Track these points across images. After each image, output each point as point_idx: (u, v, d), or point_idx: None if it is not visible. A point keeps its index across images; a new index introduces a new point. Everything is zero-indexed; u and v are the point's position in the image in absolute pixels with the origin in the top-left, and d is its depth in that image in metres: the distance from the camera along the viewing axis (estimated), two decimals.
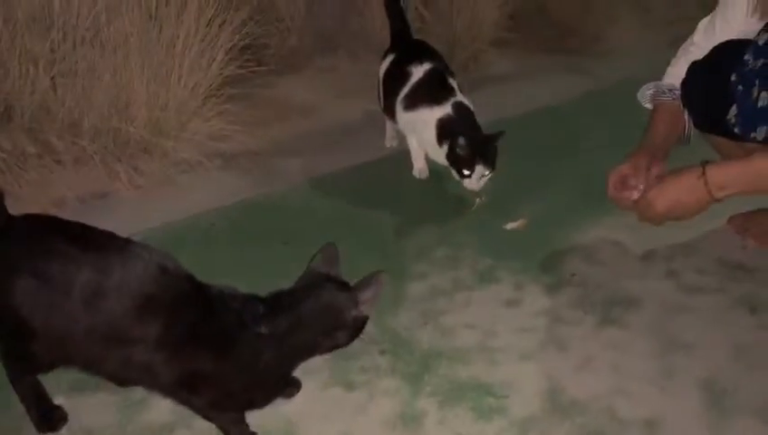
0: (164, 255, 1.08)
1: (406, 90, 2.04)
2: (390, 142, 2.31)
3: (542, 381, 1.31)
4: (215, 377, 1.07)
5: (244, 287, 1.13)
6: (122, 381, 1.12)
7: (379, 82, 2.20)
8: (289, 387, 1.24)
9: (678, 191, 1.45)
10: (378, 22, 2.89)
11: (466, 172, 1.87)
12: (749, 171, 1.40)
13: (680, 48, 1.72)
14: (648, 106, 1.72)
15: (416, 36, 2.36)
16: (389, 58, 2.17)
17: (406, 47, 2.19)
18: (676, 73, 1.68)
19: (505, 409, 1.25)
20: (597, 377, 1.33)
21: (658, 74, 1.73)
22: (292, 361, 1.13)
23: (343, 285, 1.13)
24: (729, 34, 1.59)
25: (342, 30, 3.04)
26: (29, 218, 1.12)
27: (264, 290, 1.13)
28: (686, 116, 1.66)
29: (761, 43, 1.48)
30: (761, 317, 1.49)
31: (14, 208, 1.13)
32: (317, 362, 1.23)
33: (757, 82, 1.46)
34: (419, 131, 2.02)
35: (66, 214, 1.70)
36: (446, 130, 1.92)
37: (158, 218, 1.81)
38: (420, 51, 2.14)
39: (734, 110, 1.51)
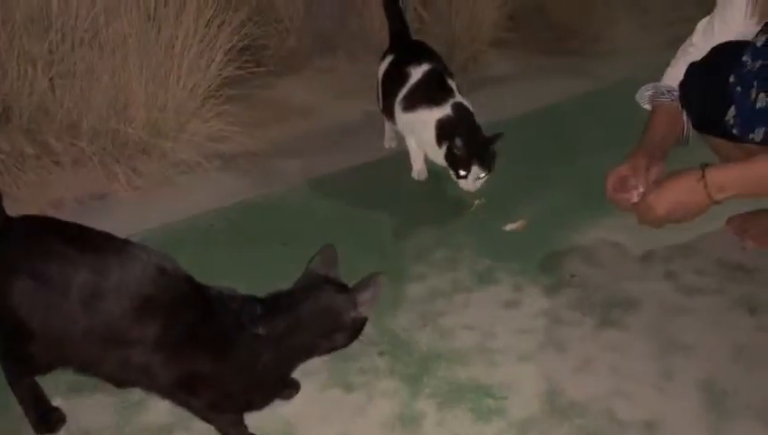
0: (162, 256, 1.08)
1: (405, 91, 2.03)
2: (389, 143, 2.30)
3: (542, 383, 1.31)
4: (213, 378, 1.06)
5: (243, 288, 1.13)
6: (120, 382, 1.12)
7: (377, 82, 2.20)
8: (288, 388, 1.24)
9: (678, 194, 1.46)
10: (376, 22, 2.89)
11: (462, 173, 1.87)
12: (749, 174, 1.40)
13: (679, 49, 1.72)
14: (647, 107, 1.72)
15: (415, 37, 2.36)
16: (388, 59, 2.17)
17: (405, 48, 2.19)
18: (674, 74, 1.68)
19: (504, 410, 1.24)
20: (596, 378, 1.32)
21: (657, 75, 1.73)
22: (290, 362, 1.13)
23: (342, 287, 1.13)
24: (728, 36, 1.59)
25: (341, 31, 3.04)
26: (27, 220, 1.12)
27: (263, 291, 1.13)
28: (685, 117, 1.66)
29: (759, 44, 1.48)
30: (760, 318, 1.49)
31: (13, 209, 1.12)
32: (316, 363, 1.23)
33: (755, 83, 1.46)
34: (419, 132, 2.02)
35: (64, 215, 1.69)
36: (445, 131, 1.92)
37: (156, 219, 1.81)
38: (419, 52, 2.14)
39: (732, 111, 1.51)
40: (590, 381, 1.32)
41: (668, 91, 1.67)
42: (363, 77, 2.68)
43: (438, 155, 1.95)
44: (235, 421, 1.15)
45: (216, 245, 1.75)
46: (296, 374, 1.20)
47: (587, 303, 1.54)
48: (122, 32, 1.95)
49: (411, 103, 2.02)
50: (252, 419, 1.15)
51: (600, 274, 1.65)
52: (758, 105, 1.45)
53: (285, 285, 1.14)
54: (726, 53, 1.56)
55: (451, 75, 2.08)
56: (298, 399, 1.25)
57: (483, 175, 1.87)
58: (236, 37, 2.16)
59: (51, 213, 1.78)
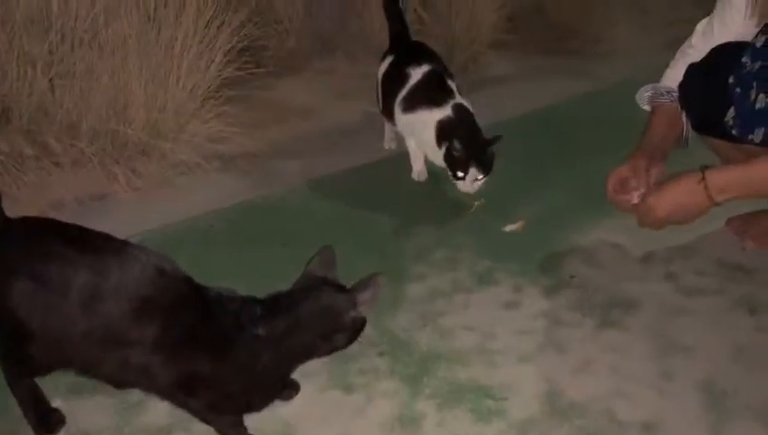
0: (161, 257, 1.08)
1: (405, 92, 2.03)
2: (389, 144, 2.30)
3: (541, 384, 1.31)
4: (212, 379, 1.06)
5: (242, 289, 1.13)
6: (120, 383, 1.12)
7: (377, 83, 2.20)
8: (287, 389, 1.24)
9: (678, 196, 1.46)
10: (376, 23, 2.89)
11: (460, 174, 1.87)
12: (749, 175, 1.41)
13: (678, 50, 1.72)
14: (647, 108, 1.72)
15: (414, 38, 2.36)
16: (388, 60, 2.17)
17: (404, 49, 2.19)
18: (674, 75, 1.69)
19: (504, 411, 1.24)
20: (596, 379, 1.32)
21: (657, 76, 1.73)
22: (290, 363, 1.13)
23: (341, 287, 1.13)
24: (727, 37, 1.59)
25: (341, 32, 3.04)
26: (26, 221, 1.12)
27: (262, 292, 1.13)
28: (684, 118, 1.66)
29: (758, 45, 1.48)
30: (760, 318, 1.49)
31: (12, 210, 1.12)
32: (315, 364, 1.23)
33: (755, 84, 1.46)
34: (418, 133, 2.02)
35: (64, 216, 1.69)
36: (445, 132, 1.92)
37: (156, 220, 1.81)
38: (419, 52, 2.14)
39: (731, 112, 1.51)
40: (590, 381, 1.32)
41: (668, 93, 1.68)
42: (363, 78, 2.68)
43: (438, 156, 1.95)
44: (235, 422, 1.14)
45: (215, 245, 1.75)
46: (296, 375, 1.20)
47: (587, 304, 1.54)
48: (122, 32, 1.95)
49: (411, 104, 2.02)
50: (251, 420, 1.15)
51: (600, 275, 1.65)
52: (757, 106, 1.45)
53: (285, 285, 1.14)
54: (726, 55, 1.56)
55: (451, 76, 2.08)
56: (298, 400, 1.25)
57: (481, 177, 1.87)
58: (236, 38, 2.16)
59: (50, 214, 1.78)
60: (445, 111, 1.95)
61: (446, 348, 1.40)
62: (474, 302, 1.55)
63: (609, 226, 1.81)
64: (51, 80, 1.92)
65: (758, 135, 1.46)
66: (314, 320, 1.09)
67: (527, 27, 3.37)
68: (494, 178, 1.90)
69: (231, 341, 1.06)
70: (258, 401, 1.13)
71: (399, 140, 2.20)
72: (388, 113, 2.13)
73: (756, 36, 1.50)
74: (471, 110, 1.98)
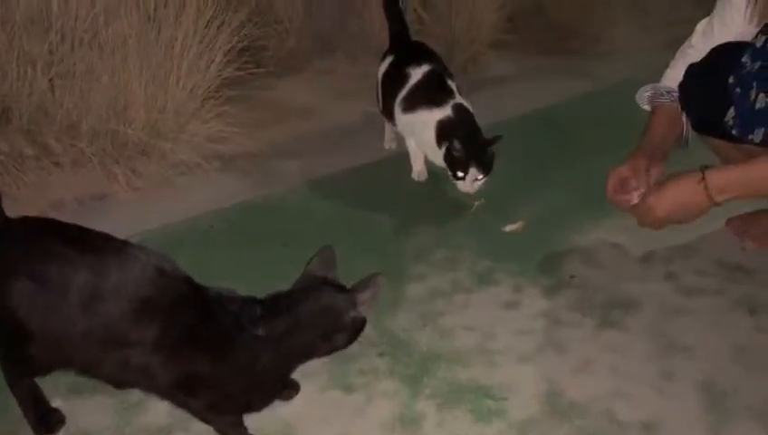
0: (161, 257, 1.08)
1: (405, 92, 2.03)
2: (389, 144, 2.30)
3: (541, 384, 1.31)
4: (212, 379, 1.06)
5: (242, 289, 1.13)
6: (120, 383, 1.12)
7: (377, 83, 2.20)
8: (287, 389, 1.24)
9: (678, 195, 1.46)
10: (376, 23, 2.89)
11: (460, 174, 1.87)
12: (749, 175, 1.41)
13: (678, 50, 1.72)
14: (647, 108, 1.72)
15: (414, 38, 2.36)
16: (388, 60, 2.17)
17: (404, 49, 2.19)
18: (674, 76, 1.68)
19: (504, 411, 1.24)
20: (596, 379, 1.32)
21: (657, 76, 1.73)
22: (290, 363, 1.13)
23: (341, 287, 1.13)
24: (727, 37, 1.59)
25: (341, 32, 3.04)
26: (26, 221, 1.12)
27: (262, 292, 1.13)
28: (684, 118, 1.66)
29: (758, 45, 1.48)
30: (760, 319, 1.49)
31: (12, 210, 1.12)
32: (315, 364, 1.23)
33: (755, 84, 1.46)
34: (418, 133, 2.02)
35: (64, 216, 1.69)
36: (445, 132, 1.92)
37: (156, 220, 1.81)
38: (419, 53, 2.14)
39: (731, 112, 1.51)
40: (590, 381, 1.32)
41: (668, 93, 1.68)
42: (363, 78, 2.68)
43: (438, 156, 1.95)
44: (235, 422, 1.14)
45: (215, 246, 1.75)
46: (296, 375, 1.20)
47: (587, 304, 1.54)
48: (122, 33, 1.95)
49: (411, 104, 2.02)
50: (251, 420, 1.15)
51: (600, 275, 1.65)
52: (757, 106, 1.45)
53: (285, 285, 1.14)
54: (726, 55, 1.56)
55: (451, 76, 2.08)
56: (298, 400, 1.25)
57: (481, 177, 1.87)
58: (236, 38, 2.16)
59: (50, 214, 1.78)
60: (445, 111, 1.95)
61: (446, 348, 1.40)
62: (474, 302, 1.55)
63: (608, 226, 1.81)
64: (51, 80, 1.92)
65: (758, 135, 1.46)
66: (314, 320, 1.09)
67: (527, 27, 3.37)
68: (495, 178, 1.90)
69: (231, 341, 1.06)
70: (258, 401, 1.13)
71: (399, 140, 2.20)
72: (389, 113, 2.13)
73: (756, 36, 1.50)
74: (471, 110, 1.98)
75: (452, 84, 2.04)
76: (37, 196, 1.84)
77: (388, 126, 2.26)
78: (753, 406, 1.26)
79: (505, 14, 3.15)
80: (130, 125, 1.98)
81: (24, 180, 1.85)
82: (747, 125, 1.48)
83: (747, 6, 1.54)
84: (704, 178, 1.42)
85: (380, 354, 1.37)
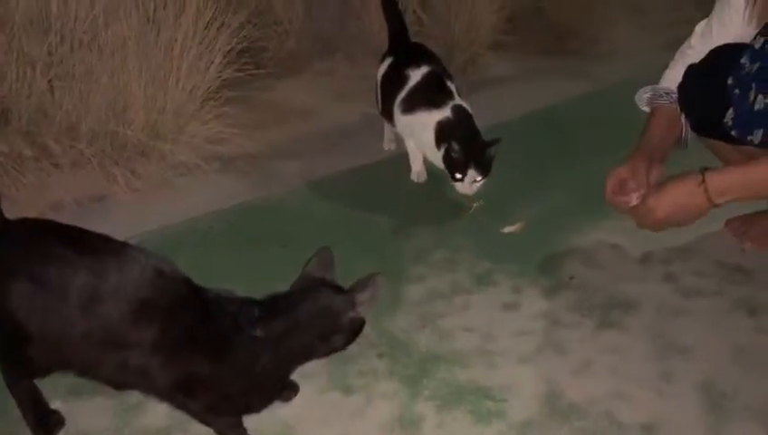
0: (160, 258, 1.08)
1: (404, 93, 2.03)
2: (388, 145, 2.30)
3: (541, 385, 1.31)
4: (211, 381, 1.06)
5: (242, 290, 1.13)
6: (119, 385, 1.11)
7: (377, 85, 2.20)
8: (287, 391, 1.24)
9: (678, 197, 1.46)
10: (376, 25, 2.89)
11: (458, 176, 1.87)
12: (749, 177, 1.41)
13: (677, 52, 1.72)
14: (646, 109, 1.72)
15: (414, 39, 2.36)
16: (388, 61, 2.17)
17: (404, 50, 2.19)
18: (673, 77, 1.68)
19: (504, 412, 1.24)
20: (595, 380, 1.32)
21: (656, 77, 1.73)
22: (288, 364, 1.13)
23: (339, 288, 1.13)
24: (726, 38, 1.59)
25: (341, 33, 3.04)
26: (26, 222, 1.12)
27: (263, 293, 1.13)
28: (683, 119, 1.66)
29: (757, 46, 1.48)
30: (759, 319, 1.49)
31: (12, 212, 1.12)
32: (315, 365, 1.23)
33: (754, 85, 1.46)
34: (418, 134, 2.02)
35: (64, 217, 1.69)
36: (444, 134, 1.92)
37: (155, 221, 1.81)
38: (418, 54, 2.14)
39: (730, 113, 1.51)
40: (590, 382, 1.32)
41: (667, 94, 1.68)
42: (362, 79, 2.68)
43: (437, 157, 1.95)
44: (234, 424, 1.14)
45: (215, 247, 1.75)
46: (295, 377, 1.20)
47: (586, 304, 1.54)
48: (121, 34, 1.95)
49: (410, 105, 2.02)
50: (251, 421, 1.15)
51: (600, 275, 1.65)
52: (756, 107, 1.45)
53: (285, 286, 1.14)
54: (724, 56, 1.56)
55: (450, 77, 2.08)
56: (297, 401, 1.25)
57: (479, 178, 1.87)
58: (236, 39, 2.16)
59: (50, 215, 1.78)
60: (444, 113, 1.95)
61: (446, 349, 1.40)
62: (473, 303, 1.55)
63: (608, 227, 1.81)
64: (50, 81, 1.92)
65: (757, 136, 1.46)
66: (313, 321, 1.09)
67: (526, 28, 3.37)
68: (494, 179, 1.90)
69: (229, 342, 1.06)
70: (257, 403, 1.13)
71: (399, 141, 2.20)
72: (388, 114, 2.13)
73: (755, 38, 1.50)
74: (470, 111, 1.98)
75: (451, 86, 2.04)
76: (36, 197, 1.84)
77: (387, 127, 2.26)
78: (753, 407, 1.26)
79: (504, 16, 3.16)
80: (130, 126, 1.98)
81: (23, 182, 1.85)
82: (746, 126, 1.48)
83: (746, 8, 1.54)
84: (703, 180, 1.42)
85: (380, 356, 1.37)
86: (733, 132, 1.52)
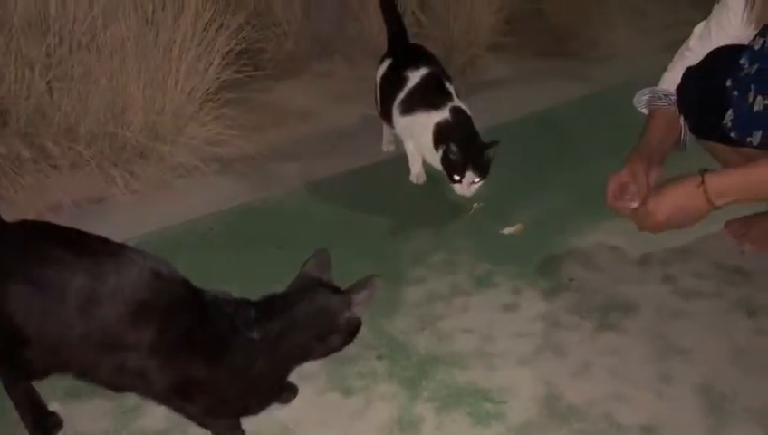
0: (158, 260, 1.08)
1: (403, 94, 2.03)
2: (387, 147, 2.30)
3: (540, 387, 1.31)
4: (208, 384, 1.06)
5: (241, 292, 1.13)
6: (117, 387, 1.11)
7: (376, 86, 2.20)
8: (285, 392, 1.24)
9: (678, 199, 1.46)
10: (374, 26, 2.89)
11: (457, 177, 1.87)
12: (749, 179, 1.41)
13: (676, 54, 1.72)
14: (644, 111, 1.72)
15: (413, 41, 2.37)
16: (386, 62, 2.17)
17: (403, 52, 2.19)
18: (671, 79, 1.69)
19: (503, 414, 1.24)
20: (594, 382, 1.32)
21: (655, 79, 1.73)
22: (285, 365, 1.13)
23: (336, 289, 1.13)
24: (724, 40, 1.59)
25: (339, 34, 3.04)
26: (24, 224, 1.12)
27: (261, 294, 1.13)
28: (682, 121, 1.66)
29: (756, 47, 1.48)
30: (759, 321, 1.49)
31: (10, 213, 1.12)
32: (314, 367, 1.23)
33: (753, 86, 1.46)
34: (417, 136, 2.02)
35: (62, 219, 1.69)
36: (443, 135, 1.92)
37: (154, 223, 1.80)
38: (417, 55, 2.14)
39: (729, 114, 1.51)
40: (589, 384, 1.32)
41: (666, 96, 1.68)
42: (361, 81, 2.68)
43: (436, 159, 1.95)
44: (232, 426, 1.14)
45: (213, 248, 1.74)
46: (294, 378, 1.20)
47: (585, 306, 1.54)
48: (120, 35, 1.94)
49: (409, 107, 2.02)
50: (249, 423, 1.15)
51: (599, 277, 1.65)
52: (755, 108, 1.45)
53: (284, 288, 1.14)
54: (723, 58, 1.56)
55: (449, 79, 2.08)
56: (296, 403, 1.25)
57: (477, 180, 1.87)
58: (234, 41, 2.16)
59: (48, 217, 1.77)
60: (442, 114, 1.95)
61: (445, 351, 1.40)
62: (472, 305, 1.55)
63: (607, 228, 1.81)
64: (48, 82, 1.91)
65: (756, 137, 1.46)
66: (309, 321, 1.09)
67: (525, 30, 3.37)
68: (493, 180, 1.90)
69: (226, 345, 1.05)
70: (255, 405, 1.12)
71: (398, 142, 2.20)
72: (387, 116, 2.13)
73: (754, 39, 1.50)
74: (469, 113, 1.98)
75: (450, 87, 2.04)
76: (35, 199, 1.84)
77: (386, 129, 2.26)
78: (752, 408, 1.26)
79: (503, 17, 3.16)
80: (128, 128, 1.98)
81: (21, 183, 1.85)
82: (745, 128, 1.48)
83: (744, 10, 1.54)
84: (703, 182, 1.42)
85: (379, 357, 1.37)
86: (732, 134, 1.52)
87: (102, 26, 1.94)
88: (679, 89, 1.65)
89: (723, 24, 1.60)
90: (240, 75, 2.21)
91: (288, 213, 1.93)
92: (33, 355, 1.04)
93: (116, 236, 1.11)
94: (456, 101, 2.00)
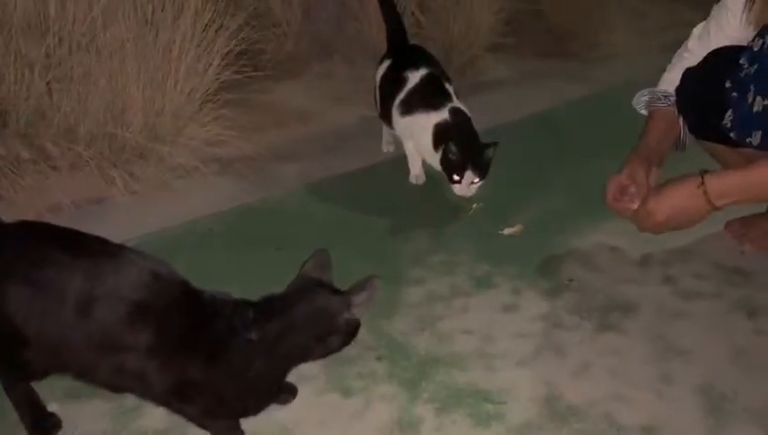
0: (157, 261, 1.07)
1: (402, 95, 2.03)
2: (387, 148, 2.30)
3: (540, 387, 1.31)
4: (205, 385, 1.06)
5: (241, 292, 1.12)
6: (116, 388, 1.11)
7: (375, 87, 2.20)
8: (284, 393, 1.23)
9: (678, 200, 1.45)
10: (374, 27, 2.89)
11: (456, 178, 1.87)
12: (749, 180, 1.40)
13: (675, 54, 1.72)
14: (644, 112, 1.72)
15: (412, 41, 2.37)
16: (386, 63, 2.17)
17: (402, 52, 2.19)
18: (671, 79, 1.69)
19: (503, 415, 1.24)
20: (595, 383, 1.32)
21: (655, 80, 1.73)
22: (284, 366, 1.12)
23: (335, 290, 1.13)
24: (723, 41, 1.59)
25: (339, 35, 3.04)
26: (23, 225, 1.12)
27: (261, 295, 1.12)
28: (682, 122, 1.66)
29: (756, 48, 1.48)
30: (758, 321, 1.49)
31: (10, 214, 1.12)
32: (313, 367, 1.23)
33: (752, 87, 1.46)
34: (416, 137, 2.02)
35: (62, 220, 1.69)
36: (442, 136, 1.92)
37: (154, 224, 1.80)
38: (417, 56, 2.14)
39: (729, 115, 1.51)
40: (589, 385, 1.32)
41: (665, 97, 1.68)
42: (361, 81, 2.68)
43: (436, 159, 1.95)
44: (231, 427, 1.14)
45: (213, 249, 1.74)
46: (293, 379, 1.20)
47: (585, 307, 1.54)
48: (120, 36, 1.94)
49: (409, 108, 2.02)
50: (249, 424, 1.15)
51: (599, 278, 1.65)
52: (755, 109, 1.45)
53: (283, 289, 1.14)
54: (722, 58, 1.56)
55: (449, 80, 2.08)
56: (295, 403, 1.25)
57: (477, 180, 1.87)
58: (234, 41, 2.16)
59: (48, 217, 1.77)
60: (442, 115, 1.95)
61: (445, 352, 1.39)
62: (472, 305, 1.55)
63: (607, 229, 1.81)
64: (48, 83, 1.91)
65: (756, 138, 1.46)
66: (308, 322, 1.09)
67: (525, 31, 3.37)
68: (493, 181, 1.90)
69: (223, 346, 1.05)
70: (254, 405, 1.12)
71: (397, 143, 2.20)
72: (386, 117, 2.13)
73: (754, 39, 1.50)
74: (468, 113, 1.98)
75: (449, 88, 2.04)
76: (35, 199, 1.84)
77: (385, 129, 2.26)
78: (752, 408, 1.26)
79: (503, 18, 3.16)
80: (128, 128, 1.98)
81: (21, 184, 1.85)
82: (745, 128, 1.48)
83: (744, 10, 1.54)
84: (703, 183, 1.42)
85: (379, 358, 1.37)
86: (731, 134, 1.52)
87: (102, 27, 1.94)
88: (679, 90, 1.65)
89: (722, 24, 1.60)
90: (239, 76, 2.21)
91: (287, 214, 1.93)
92: (32, 356, 1.04)
93: (115, 237, 1.11)
94: (456, 102, 2.00)
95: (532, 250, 1.75)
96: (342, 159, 2.24)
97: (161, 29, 2.01)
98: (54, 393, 1.21)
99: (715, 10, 1.63)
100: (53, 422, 1.17)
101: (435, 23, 3.05)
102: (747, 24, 1.53)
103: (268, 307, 1.09)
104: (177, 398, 1.07)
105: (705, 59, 1.61)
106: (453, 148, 1.84)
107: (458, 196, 1.91)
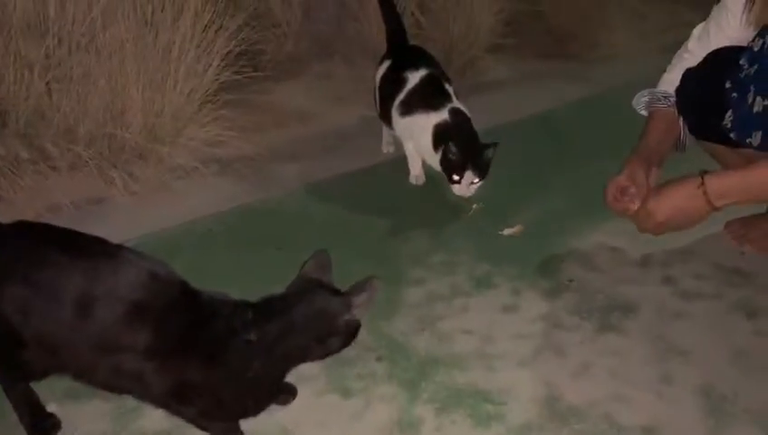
0: (156, 261, 1.07)
1: (402, 95, 2.03)
2: (387, 148, 2.30)
3: (540, 388, 1.30)
4: (204, 386, 1.05)
5: (241, 293, 1.12)
6: (114, 389, 1.11)
7: (375, 87, 2.20)
8: (284, 394, 1.23)
9: (678, 200, 1.45)
10: (374, 27, 2.89)
11: (456, 178, 1.87)
12: (749, 180, 1.40)
13: (675, 55, 1.72)
14: (644, 113, 1.72)
15: (412, 42, 2.37)
16: (386, 64, 2.17)
17: (402, 53, 2.19)
18: (671, 80, 1.68)
19: (503, 416, 1.24)
20: (595, 383, 1.32)
21: (654, 80, 1.73)
22: (283, 367, 1.12)
23: (335, 291, 1.12)
24: (723, 41, 1.59)
25: (339, 35, 3.04)
26: (21, 226, 1.12)
27: (261, 296, 1.12)
28: (682, 123, 1.66)
29: (756, 48, 1.48)
30: (758, 322, 1.49)
31: (9, 214, 1.13)
32: (313, 368, 1.23)
33: (752, 87, 1.46)
34: (416, 137, 2.02)
35: (61, 220, 1.69)
36: (442, 136, 1.92)
37: (153, 224, 1.80)
38: (417, 57, 2.14)
39: (729, 115, 1.51)
40: (589, 385, 1.31)
41: (665, 97, 1.67)
42: (361, 82, 2.68)
43: (435, 160, 1.95)
44: (231, 428, 1.14)
45: (213, 249, 1.74)
46: (293, 379, 1.20)
47: (585, 307, 1.54)
48: (119, 36, 1.94)
49: (409, 108, 2.02)
50: (248, 424, 1.15)
51: (599, 278, 1.65)
52: (755, 109, 1.45)
53: (283, 289, 1.14)
54: (722, 59, 1.56)
55: (448, 80, 2.08)
56: (295, 404, 1.24)
57: (477, 181, 1.87)
58: (234, 42, 2.16)
59: (47, 218, 1.77)
60: (442, 115, 1.95)
61: (445, 352, 1.39)
62: (472, 306, 1.55)
63: (607, 229, 1.81)
64: (48, 84, 1.91)
65: (756, 138, 1.46)
66: (308, 323, 1.08)
67: (525, 31, 3.37)
68: (492, 181, 1.90)
69: (222, 347, 1.05)
70: (253, 406, 1.12)
71: (397, 143, 2.20)
72: (386, 117, 2.13)
73: (754, 40, 1.50)
74: (468, 114, 1.98)
75: (449, 88, 2.04)
76: (34, 200, 1.83)
77: (385, 130, 2.26)
78: (753, 409, 1.26)
79: (503, 19, 3.16)
80: (128, 129, 1.98)
81: (20, 184, 1.85)
82: (745, 128, 1.48)
83: (744, 11, 1.54)
84: (703, 183, 1.42)
85: (378, 359, 1.37)
86: (731, 135, 1.52)
87: (101, 27, 1.94)
88: (679, 90, 1.65)
89: (722, 25, 1.60)
90: (239, 76, 2.21)
91: (287, 214, 1.93)
92: (30, 356, 1.04)
93: (115, 238, 1.10)
94: (455, 103, 2.00)
95: (532, 250, 1.75)
96: (342, 160, 2.24)
97: (161, 30, 2.01)
98: (54, 394, 1.21)
99: (715, 11, 1.62)
100: (53, 423, 1.16)
101: (435, 23, 3.05)
102: (747, 24, 1.53)
103: (268, 308, 1.09)
104: (175, 399, 1.07)
105: (705, 59, 1.61)
106: (453, 148, 1.84)
107: (458, 196, 1.91)
